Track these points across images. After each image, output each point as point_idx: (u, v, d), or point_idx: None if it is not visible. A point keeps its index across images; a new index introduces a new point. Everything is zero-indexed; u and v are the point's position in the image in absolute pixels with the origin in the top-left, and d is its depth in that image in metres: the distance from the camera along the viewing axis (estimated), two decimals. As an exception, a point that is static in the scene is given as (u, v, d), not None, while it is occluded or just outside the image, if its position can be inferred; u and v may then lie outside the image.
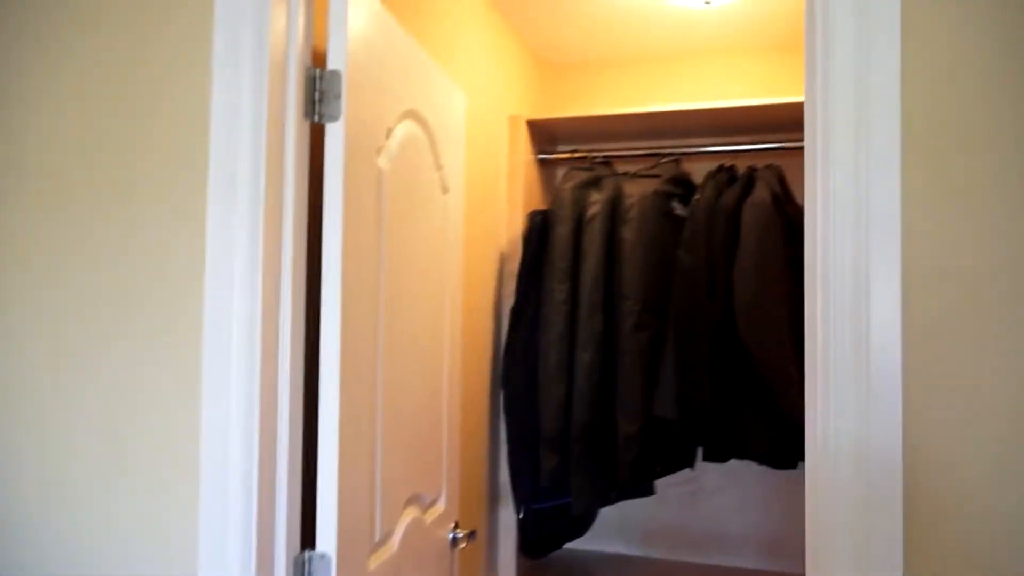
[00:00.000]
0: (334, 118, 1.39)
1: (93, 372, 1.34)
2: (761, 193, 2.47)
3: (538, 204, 2.95)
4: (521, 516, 2.62)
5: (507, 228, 2.78)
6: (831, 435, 0.99)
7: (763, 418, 2.37)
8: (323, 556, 1.35)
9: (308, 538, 1.39)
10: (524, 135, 2.80)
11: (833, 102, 0.95)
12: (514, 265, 2.77)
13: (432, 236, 1.90)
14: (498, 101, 2.72)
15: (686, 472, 2.87)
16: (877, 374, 0.92)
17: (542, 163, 2.99)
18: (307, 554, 1.37)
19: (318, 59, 1.43)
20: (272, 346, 1.30)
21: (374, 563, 1.55)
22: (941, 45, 0.94)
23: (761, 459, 2.44)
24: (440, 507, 1.99)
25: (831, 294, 0.94)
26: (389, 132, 1.62)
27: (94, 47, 1.38)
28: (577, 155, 2.92)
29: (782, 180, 2.58)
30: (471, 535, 2.05)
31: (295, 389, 1.35)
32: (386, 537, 1.63)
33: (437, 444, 1.98)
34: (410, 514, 1.77)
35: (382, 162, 1.58)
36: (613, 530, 3.06)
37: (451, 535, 2.03)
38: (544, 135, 2.99)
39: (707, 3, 2.24)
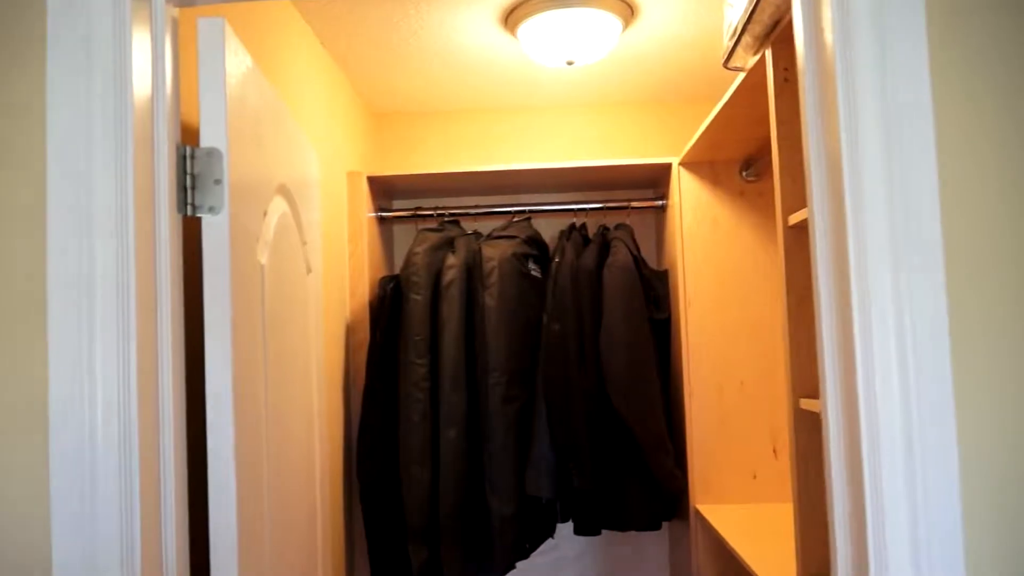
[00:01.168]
0: (214, 210, 1.09)
1: None
2: (622, 256, 2.44)
3: (379, 266, 2.71)
4: (389, 623, 2.33)
5: (351, 295, 2.50)
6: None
7: (644, 487, 2.33)
8: None
9: None
10: (365, 192, 2.55)
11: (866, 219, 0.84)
12: (361, 336, 2.50)
13: (301, 326, 1.61)
14: (335, 154, 2.45)
15: (548, 540, 2.75)
16: None
17: (380, 220, 2.74)
18: None
19: (186, 134, 1.12)
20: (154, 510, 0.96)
21: None
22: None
23: (638, 527, 2.38)
24: (319, 647, 1.68)
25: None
26: (265, 215, 1.33)
27: None
28: (421, 212, 2.72)
29: (635, 240, 2.58)
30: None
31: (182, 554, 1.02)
32: None
33: (314, 563, 1.67)
34: (297, 674, 1.46)
35: (261, 255, 1.28)
36: (473, 611, 2.85)
37: (328, 674, 1.72)
38: (381, 190, 2.76)
39: (569, 63, 2.17)
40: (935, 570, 0.82)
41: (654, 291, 2.55)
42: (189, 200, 1.08)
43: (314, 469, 1.71)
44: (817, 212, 0.92)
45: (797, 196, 1.40)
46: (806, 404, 1.36)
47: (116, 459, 0.93)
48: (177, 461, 1.03)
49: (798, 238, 1.41)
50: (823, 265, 0.92)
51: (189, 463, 1.07)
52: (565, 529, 2.81)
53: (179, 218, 1.05)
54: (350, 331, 2.49)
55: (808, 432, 1.39)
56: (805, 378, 1.40)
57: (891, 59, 0.85)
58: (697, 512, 2.35)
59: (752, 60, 1.54)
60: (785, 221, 1.42)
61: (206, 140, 1.09)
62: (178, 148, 1.06)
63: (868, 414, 0.84)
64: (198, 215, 1.08)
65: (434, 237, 2.52)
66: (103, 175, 0.93)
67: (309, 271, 1.73)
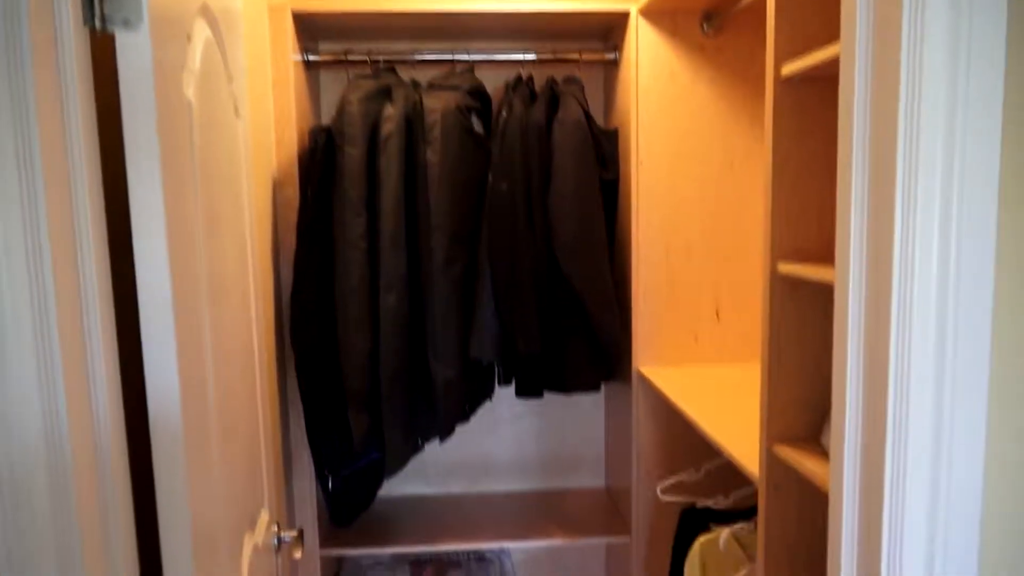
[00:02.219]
0: (130, 24, 0.87)
1: None
2: (573, 111, 2.29)
3: (306, 116, 2.46)
4: (330, 488, 2.30)
5: (277, 147, 2.28)
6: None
7: (588, 350, 2.30)
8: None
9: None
10: (290, 29, 2.27)
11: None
12: (289, 192, 2.30)
13: (233, 177, 1.42)
14: (253, -16, 2.13)
15: (485, 402, 2.75)
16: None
17: (305, 66, 2.46)
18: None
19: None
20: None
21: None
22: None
23: (581, 389, 2.38)
24: (264, 516, 1.62)
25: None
26: (189, 39, 1.11)
27: None
28: (351, 58, 2.45)
29: (584, 95, 2.42)
30: (300, 537, 1.70)
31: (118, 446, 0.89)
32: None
33: (256, 436, 1.58)
34: (248, 544, 1.39)
35: (189, 89, 1.07)
36: (412, 469, 2.87)
37: (275, 539, 1.67)
38: (306, 30, 2.46)
39: None
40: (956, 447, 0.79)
41: (602, 150, 2.42)
42: (98, 12, 0.86)
43: (252, 333, 1.58)
44: (860, 48, 0.80)
45: (795, 42, 1.28)
46: (785, 268, 1.31)
47: (31, 337, 0.78)
48: (105, 333, 0.87)
49: (791, 91, 1.30)
50: (859, 106, 0.82)
51: (122, 348, 0.92)
52: (501, 391, 2.80)
53: (86, 32, 0.84)
54: (277, 187, 2.28)
55: (783, 296, 1.35)
56: (784, 241, 1.34)
57: None
58: (639, 373, 2.37)
59: None
60: (777, 72, 1.30)
61: (113, -68, 0.86)
62: (77, -61, 0.83)
63: (901, 286, 0.77)
64: (110, 29, 0.87)
65: (369, 85, 2.28)
66: (-20, -34, 0.71)
67: (238, 115, 1.51)
